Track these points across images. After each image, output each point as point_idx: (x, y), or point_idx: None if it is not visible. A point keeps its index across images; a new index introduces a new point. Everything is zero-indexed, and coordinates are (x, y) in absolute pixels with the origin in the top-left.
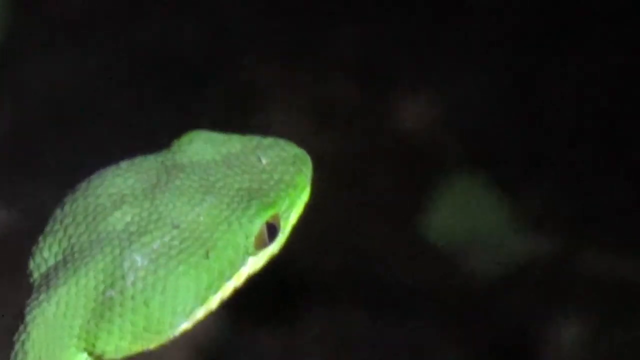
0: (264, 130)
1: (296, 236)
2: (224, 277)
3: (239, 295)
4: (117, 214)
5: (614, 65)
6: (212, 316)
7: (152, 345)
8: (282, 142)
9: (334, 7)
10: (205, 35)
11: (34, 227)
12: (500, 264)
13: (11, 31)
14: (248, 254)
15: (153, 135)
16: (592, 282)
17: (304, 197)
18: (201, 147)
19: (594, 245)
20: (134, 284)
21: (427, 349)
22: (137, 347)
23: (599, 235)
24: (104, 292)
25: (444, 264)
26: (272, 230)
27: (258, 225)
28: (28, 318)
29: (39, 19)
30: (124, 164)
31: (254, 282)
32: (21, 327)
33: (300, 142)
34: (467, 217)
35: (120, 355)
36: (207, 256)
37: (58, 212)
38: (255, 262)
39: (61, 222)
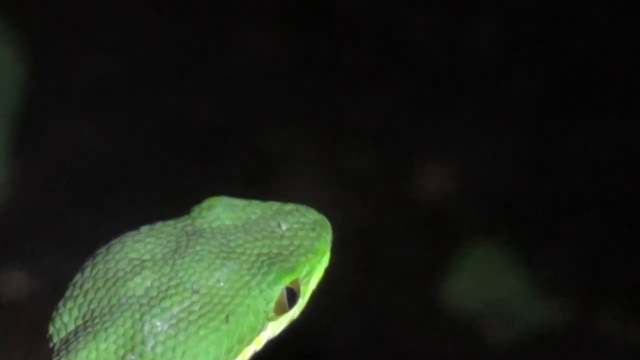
0: (283, 197)
1: (315, 303)
2: (244, 342)
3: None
4: (137, 279)
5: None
6: None
7: None
8: (302, 208)
9: (353, 75)
10: (227, 104)
11: (54, 292)
12: (517, 332)
13: (34, 96)
14: (268, 319)
15: (173, 201)
16: (609, 350)
17: (324, 262)
18: (221, 212)
19: (611, 313)
20: (154, 348)
21: None
22: None
23: (616, 304)
24: (124, 357)
25: (461, 331)
26: (292, 295)
27: (278, 291)
28: None
29: (65, 85)
30: (144, 229)
31: (273, 347)
32: None
33: (320, 209)
34: (485, 285)
35: None
36: (227, 321)
37: (78, 277)
38: (275, 327)
39: (81, 287)
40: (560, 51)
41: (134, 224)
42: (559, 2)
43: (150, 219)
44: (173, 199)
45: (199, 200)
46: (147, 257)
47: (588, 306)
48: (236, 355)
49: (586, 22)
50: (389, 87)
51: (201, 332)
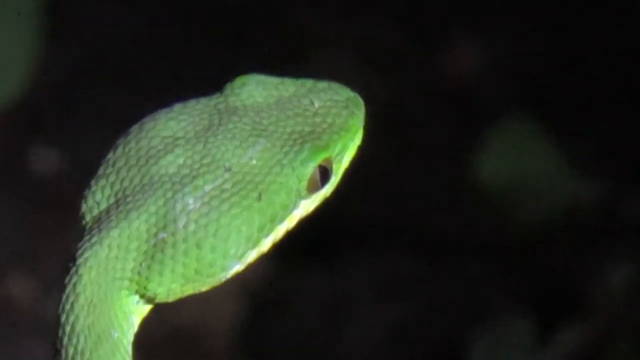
0: (315, 76)
1: (347, 181)
2: (276, 220)
3: (290, 237)
4: (170, 157)
5: None
6: (263, 259)
7: (204, 288)
8: (335, 86)
9: None
10: None
11: (85, 172)
12: (548, 209)
13: None
14: (300, 197)
15: (204, 81)
16: (636, 229)
17: (357, 140)
18: (254, 90)
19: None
20: (186, 226)
21: (476, 292)
22: (189, 290)
23: None
24: (156, 235)
25: (492, 209)
26: (324, 173)
27: (310, 169)
28: (80, 260)
29: None
30: (177, 107)
31: (305, 225)
32: (72, 270)
33: (352, 87)
34: (516, 163)
35: (172, 298)
36: (259, 199)
37: (110, 155)
38: (307, 205)
39: (113, 165)
40: None
41: (166, 103)
42: None
43: (182, 98)
44: (205, 79)
45: (231, 79)
46: (180, 134)
47: (616, 187)
48: (269, 233)
49: None
50: None
51: (233, 210)
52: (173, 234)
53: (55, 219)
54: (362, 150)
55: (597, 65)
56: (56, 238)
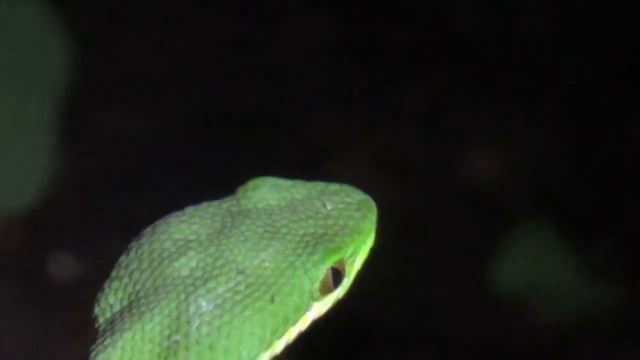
0: (329, 179)
1: (360, 284)
2: (289, 322)
3: (303, 340)
4: (183, 259)
5: None
6: None
7: None
8: (347, 188)
9: (402, 61)
10: (271, 91)
11: (100, 275)
12: (566, 316)
13: (79, 84)
14: (313, 299)
15: (218, 185)
16: None
17: (369, 242)
18: (266, 193)
19: None
20: (199, 328)
21: None
22: None
23: None
24: (169, 337)
25: (510, 316)
26: (337, 275)
27: (323, 271)
28: None
29: (109, 73)
30: (189, 210)
31: (318, 328)
32: None
33: (366, 191)
34: (532, 269)
35: None
36: (272, 301)
37: (123, 257)
38: (320, 307)
39: (126, 267)
40: (611, 36)
41: (178, 207)
42: None
43: (195, 202)
44: (218, 184)
45: (244, 182)
46: (192, 237)
47: (636, 290)
48: (281, 335)
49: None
50: (435, 72)
51: (246, 313)
52: (186, 336)
53: (75, 323)
54: (376, 253)
55: (615, 174)
56: (74, 342)
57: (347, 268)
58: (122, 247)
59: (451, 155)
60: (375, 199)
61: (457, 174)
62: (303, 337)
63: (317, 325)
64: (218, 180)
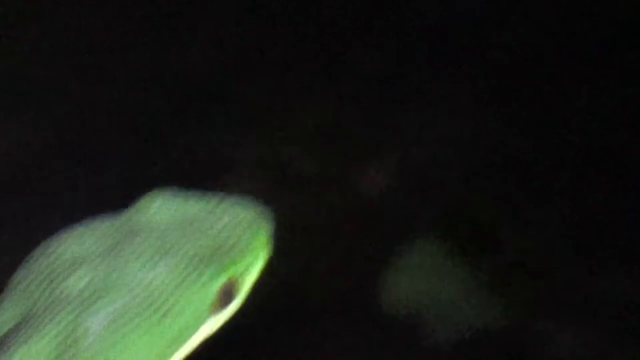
0: (221, 192)
1: (252, 299)
2: (181, 340)
3: (194, 357)
4: (74, 277)
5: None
6: None
7: None
8: (240, 204)
9: (288, 75)
10: (159, 100)
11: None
12: (457, 332)
13: None
14: (205, 316)
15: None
16: (548, 353)
17: (263, 258)
18: (159, 208)
19: (550, 316)
20: (90, 346)
21: None
22: None
23: (555, 307)
24: (61, 355)
25: (400, 332)
26: (230, 291)
27: (215, 288)
28: None
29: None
30: (81, 227)
31: (209, 345)
32: None
33: (260, 206)
34: (426, 284)
35: None
36: (164, 319)
37: (17, 275)
38: (212, 324)
39: (19, 284)
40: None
41: (73, 220)
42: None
43: (89, 215)
44: (111, 195)
45: (138, 196)
46: (84, 254)
47: (529, 309)
48: (173, 353)
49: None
50: (325, 84)
51: (138, 330)
52: (76, 355)
53: None
54: (268, 269)
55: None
56: None
57: (239, 285)
58: (15, 259)
59: (345, 168)
60: (269, 214)
61: (350, 188)
62: (194, 354)
63: (208, 342)
64: (112, 194)
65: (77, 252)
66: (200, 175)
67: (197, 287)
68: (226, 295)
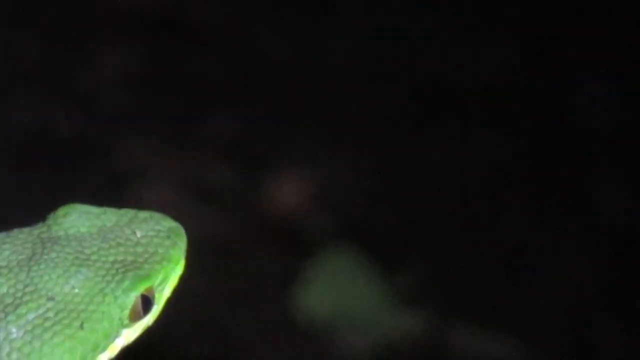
0: (139, 206)
1: (169, 312)
2: (99, 349)
3: None
4: None
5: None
6: None
7: None
8: (157, 216)
9: (208, 89)
10: (82, 116)
11: None
12: (371, 343)
13: None
14: (122, 326)
15: (30, 210)
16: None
17: (179, 270)
18: (76, 220)
19: (464, 326)
20: (9, 355)
21: None
22: None
23: (469, 316)
24: None
25: (314, 345)
26: (146, 302)
27: (132, 298)
28: None
29: None
30: None
31: (127, 355)
32: None
33: (175, 218)
34: (339, 295)
35: None
36: (82, 328)
37: None
38: (130, 334)
39: None
40: (416, 66)
41: None
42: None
43: (6, 227)
44: (30, 208)
45: (54, 209)
46: (3, 263)
47: (442, 319)
48: None
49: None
50: (243, 99)
51: (56, 339)
52: None
53: None
54: (185, 280)
55: (421, 199)
56: None
57: (156, 295)
58: None
59: (257, 181)
60: (184, 227)
61: (264, 201)
62: None
63: (126, 352)
64: (26, 206)
65: None
66: (111, 188)
67: (116, 295)
68: (145, 304)
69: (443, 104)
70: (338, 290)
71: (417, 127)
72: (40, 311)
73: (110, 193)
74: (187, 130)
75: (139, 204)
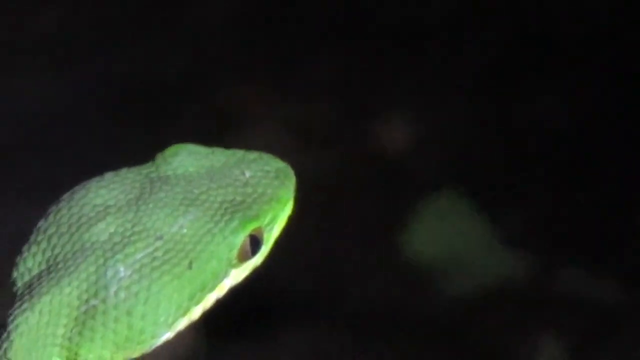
0: (245, 147)
1: (277, 252)
2: (207, 289)
3: (219, 307)
4: (101, 224)
5: (590, 97)
6: (192, 327)
7: (134, 354)
8: (265, 156)
9: (313, 32)
10: (185, 59)
11: (17, 239)
12: (478, 285)
13: None
14: (231, 266)
15: (134, 153)
16: (570, 303)
17: (287, 210)
18: (185, 160)
19: (571, 266)
20: (117, 293)
21: None
22: (119, 356)
23: (576, 257)
24: (87, 302)
25: (422, 284)
26: (255, 243)
27: (241, 238)
28: (11, 327)
29: (16, 40)
30: (108, 176)
31: (235, 295)
32: (4, 336)
33: (284, 159)
34: (445, 238)
35: None
36: (190, 267)
37: (42, 222)
38: (238, 274)
39: (45, 232)
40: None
41: (97, 174)
42: None
43: (112, 169)
44: (134, 152)
45: (162, 150)
46: (111, 203)
47: (550, 259)
48: (199, 301)
49: None
50: (348, 42)
51: (164, 278)
52: (104, 301)
53: None
54: (292, 221)
55: (527, 143)
56: None
57: (265, 236)
58: (38, 211)
59: (366, 123)
60: (292, 167)
61: (370, 142)
62: (219, 304)
63: (233, 292)
64: (133, 148)
65: (104, 199)
66: (219, 131)
67: (225, 235)
68: (253, 245)
69: (545, 53)
70: (444, 232)
71: (520, 77)
72: (149, 250)
73: (216, 136)
74: (292, 72)
75: (246, 146)
